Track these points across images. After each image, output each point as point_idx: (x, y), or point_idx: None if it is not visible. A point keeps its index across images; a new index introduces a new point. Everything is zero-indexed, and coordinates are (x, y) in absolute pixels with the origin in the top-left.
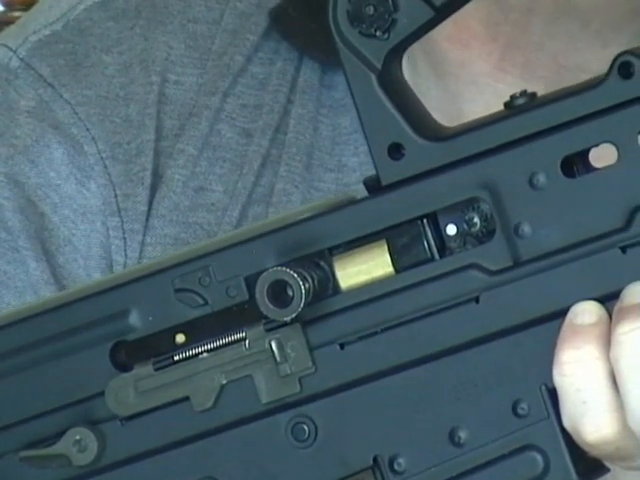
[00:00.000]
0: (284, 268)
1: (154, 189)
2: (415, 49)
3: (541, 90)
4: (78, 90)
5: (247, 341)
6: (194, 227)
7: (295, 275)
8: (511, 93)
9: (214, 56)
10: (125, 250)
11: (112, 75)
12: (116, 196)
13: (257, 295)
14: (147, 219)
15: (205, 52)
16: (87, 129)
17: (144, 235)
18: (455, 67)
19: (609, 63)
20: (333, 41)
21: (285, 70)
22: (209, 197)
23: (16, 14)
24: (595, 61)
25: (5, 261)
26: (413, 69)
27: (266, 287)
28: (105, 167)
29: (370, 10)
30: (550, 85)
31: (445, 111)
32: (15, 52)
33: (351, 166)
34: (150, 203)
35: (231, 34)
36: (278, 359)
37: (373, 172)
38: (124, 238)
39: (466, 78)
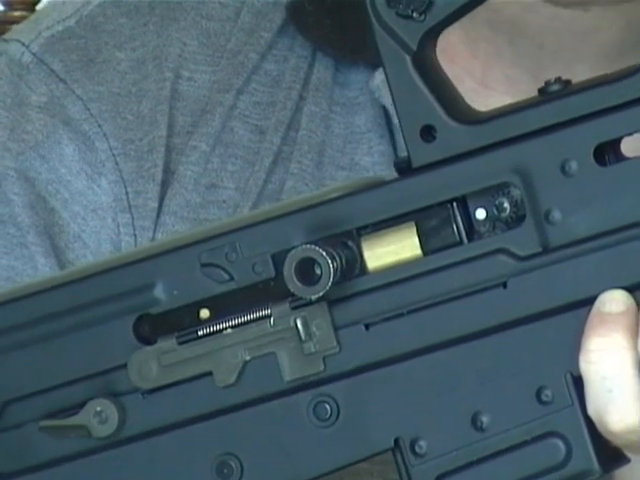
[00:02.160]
0: (313, 246)
1: (165, 186)
2: None
3: None
4: (90, 86)
5: (272, 318)
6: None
7: (324, 253)
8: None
9: (229, 54)
10: (135, 247)
11: (124, 71)
12: (127, 193)
13: (285, 272)
14: (158, 216)
15: (219, 49)
16: (99, 125)
17: (154, 232)
18: None
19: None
20: (369, 21)
21: (299, 67)
22: (220, 194)
23: (16, 14)
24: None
25: (13, 257)
26: None
27: (294, 264)
28: (116, 164)
29: None
30: None
31: None
32: (28, 47)
33: (364, 165)
34: (161, 200)
35: (247, 33)
36: (303, 337)
37: (386, 172)
38: (134, 235)
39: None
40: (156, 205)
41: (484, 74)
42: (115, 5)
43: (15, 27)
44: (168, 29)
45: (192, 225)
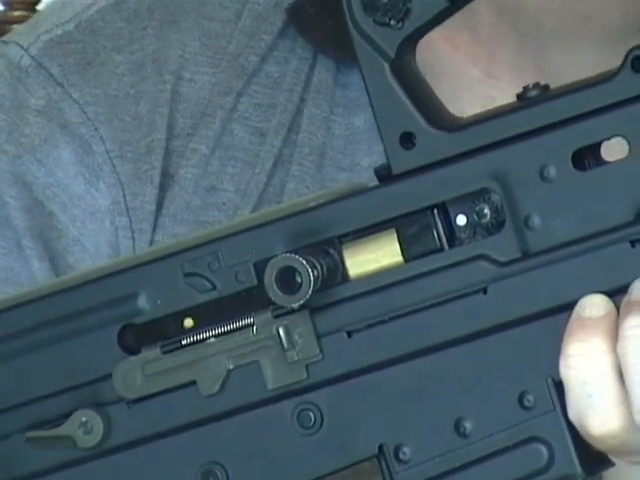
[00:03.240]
0: (293, 255)
1: (164, 188)
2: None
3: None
4: (87, 89)
5: (255, 327)
6: (205, 226)
7: (304, 262)
8: (504, 99)
9: (229, 57)
10: (134, 250)
11: (123, 74)
12: (124, 196)
13: (266, 281)
14: (156, 218)
15: (219, 52)
16: (95, 128)
17: (153, 234)
18: (450, 69)
19: (584, 67)
20: (347, 29)
21: (300, 69)
22: (220, 196)
23: (16, 14)
24: (570, 65)
25: (12, 258)
26: None
27: (275, 273)
28: (114, 166)
29: None
30: None
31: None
32: (27, 50)
33: (364, 165)
34: (159, 202)
35: (248, 36)
36: (285, 345)
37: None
38: (133, 238)
39: (461, 82)
40: (154, 208)
41: (489, 62)
42: (115, 10)
43: (15, 28)
44: (168, 32)
45: (192, 228)
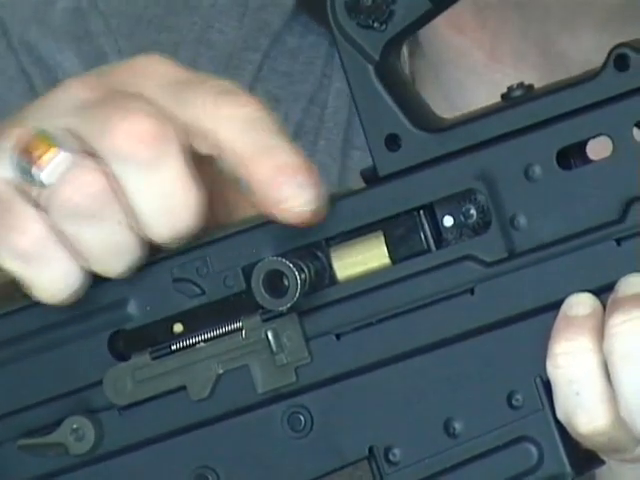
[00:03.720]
0: (280, 258)
1: None
2: (421, 35)
3: (536, 79)
4: (114, 3)
5: (244, 331)
6: None
7: (291, 265)
8: (508, 83)
9: (250, 12)
10: None
11: (150, 2)
12: None
13: (253, 285)
14: None
15: (242, 4)
16: (115, 40)
17: None
18: (454, 54)
19: (586, 52)
20: (331, 32)
21: (318, 43)
22: None
23: None
24: (573, 49)
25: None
26: (420, 57)
27: (262, 277)
28: None
29: (368, 1)
30: (544, 73)
31: (451, 99)
32: None
33: None
34: None
35: None
36: (274, 349)
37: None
38: None
39: (465, 66)
40: None
41: (493, 46)
42: None
43: None
44: None
45: None
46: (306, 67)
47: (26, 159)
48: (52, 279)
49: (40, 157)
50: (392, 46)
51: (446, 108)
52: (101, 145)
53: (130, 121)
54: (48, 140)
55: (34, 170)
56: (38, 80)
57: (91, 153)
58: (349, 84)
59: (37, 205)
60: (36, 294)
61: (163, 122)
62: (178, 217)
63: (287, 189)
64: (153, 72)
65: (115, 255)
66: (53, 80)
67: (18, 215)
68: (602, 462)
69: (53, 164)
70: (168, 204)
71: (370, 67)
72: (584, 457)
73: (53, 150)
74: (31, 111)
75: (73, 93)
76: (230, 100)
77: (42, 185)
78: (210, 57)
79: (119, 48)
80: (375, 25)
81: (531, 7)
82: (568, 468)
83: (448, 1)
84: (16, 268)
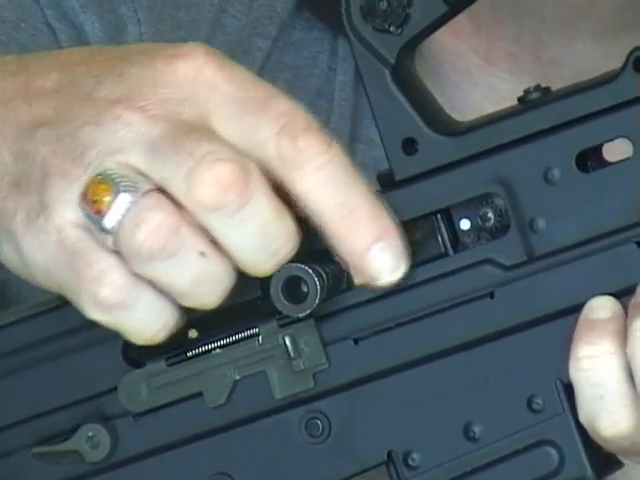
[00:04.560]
0: (299, 264)
1: None
2: None
3: (530, 82)
4: None
5: (260, 337)
6: None
7: (310, 271)
8: (503, 86)
9: None
10: None
11: None
12: None
13: (272, 292)
14: None
15: None
16: (135, 10)
17: None
18: (450, 56)
19: (579, 59)
20: (347, 36)
21: (322, 38)
22: None
23: None
24: (566, 56)
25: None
26: (418, 57)
27: (281, 283)
28: None
29: (384, 5)
30: (538, 78)
31: (450, 100)
32: None
33: (377, 142)
34: None
35: None
36: (292, 355)
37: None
38: None
39: (461, 69)
40: None
41: (488, 50)
42: None
43: None
44: None
45: None
46: (311, 61)
47: (88, 207)
48: (142, 324)
49: (100, 203)
50: (408, 50)
51: (445, 108)
52: (185, 197)
53: (213, 171)
54: (107, 183)
55: (97, 217)
56: (63, 35)
57: (158, 187)
58: (365, 88)
59: (114, 251)
60: (130, 339)
61: (243, 162)
62: (278, 247)
63: (378, 265)
64: (211, 86)
65: (206, 287)
66: (78, 37)
67: (95, 265)
68: (621, 464)
69: (113, 208)
70: (266, 240)
71: (386, 71)
72: (605, 460)
73: (112, 194)
74: (90, 140)
75: (136, 127)
76: (295, 143)
77: (108, 232)
78: (223, 41)
79: (138, 18)
80: (391, 29)
81: (525, 14)
82: (589, 471)
83: (464, 3)
84: (102, 318)
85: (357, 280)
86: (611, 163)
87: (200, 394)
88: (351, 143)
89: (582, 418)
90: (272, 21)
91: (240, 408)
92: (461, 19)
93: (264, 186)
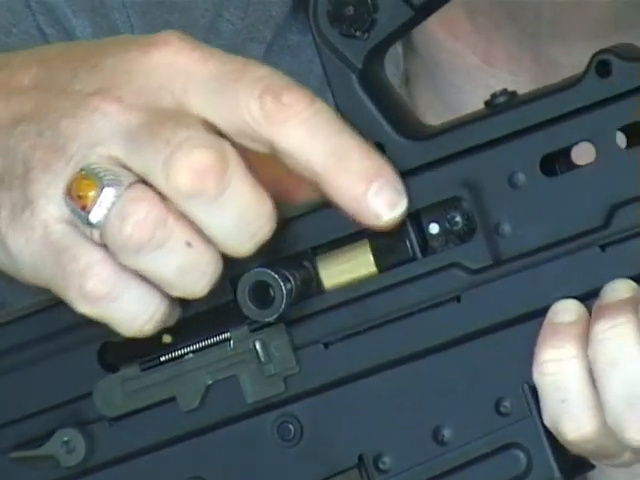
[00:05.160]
0: (265, 269)
1: None
2: (416, 35)
3: (530, 83)
4: None
5: (232, 341)
6: None
7: (276, 276)
8: (503, 87)
9: (254, 2)
10: None
11: None
12: None
13: (239, 297)
14: None
15: None
16: (128, 15)
17: None
18: (449, 56)
19: (578, 58)
20: (314, 41)
21: None
22: None
23: None
24: (565, 56)
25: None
26: (415, 57)
27: (247, 288)
28: None
29: (350, 10)
30: (537, 78)
31: (445, 100)
32: None
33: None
34: None
35: None
36: (262, 359)
37: None
38: None
39: (460, 69)
40: None
41: (487, 50)
42: None
43: None
44: None
45: None
46: (307, 66)
47: (73, 203)
48: (130, 316)
49: (85, 198)
50: (375, 54)
51: (441, 109)
52: (164, 185)
53: (189, 158)
54: (91, 178)
55: (83, 213)
56: (55, 40)
57: (141, 178)
58: (333, 93)
59: (100, 244)
60: (119, 331)
61: (220, 147)
62: (257, 228)
63: (378, 204)
64: (186, 70)
65: (194, 276)
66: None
67: (81, 259)
68: (592, 466)
69: (98, 203)
70: (244, 221)
71: (353, 76)
72: (573, 462)
73: (96, 189)
74: (69, 133)
75: (113, 118)
76: (279, 100)
77: (94, 226)
78: (218, 46)
79: (131, 24)
80: (357, 34)
81: (523, 15)
82: (557, 474)
83: (429, 9)
84: (90, 311)
85: (362, 222)
86: (577, 166)
87: (174, 398)
88: None
89: (547, 421)
90: (267, 25)
91: (213, 412)
92: (459, 19)
93: (242, 170)
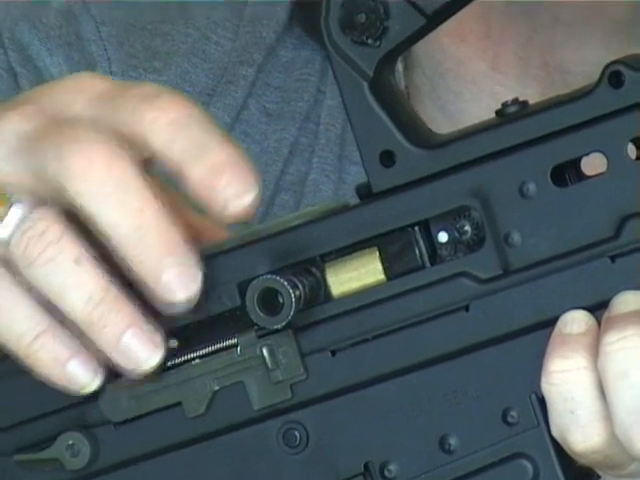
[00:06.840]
0: (274, 276)
1: None
2: (418, 47)
3: (536, 91)
4: (106, 10)
5: (239, 347)
6: None
7: (285, 283)
8: (508, 96)
9: (246, 23)
10: None
11: (145, 7)
12: None
13: (247, 303)
14: None
15: (237, 16)
16: (105, 48)
17: None
18: (455, 64)
19: (587, 65)
20: (325, 48)
21: (312, 59)
22: None
23: None
24: (575, 61)
25: None
26: (416, 68)
27: (256, 295)
28: None
29: (362, 18)
30: (544, 85)
31: (448, 111)
32: None
33: None
34: None
35: (264, 6)
36: (270, 366)
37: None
38: None
39: (466, 76)
40: None
41: (496, 54)
42: None
43: None
44: None
45: None
46: (300, 84)
47: None
48: (20, 330)
49: None
50: (386, 62)
51: (442, 120)
52: (64, 186)
53: (83, 155)
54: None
55: None
56: (24, 80)
57: (45, 196)
58: (343, 100)
59: (6, 264)
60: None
61: (112, 142)
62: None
63: (224, 192)
64: (82, 87)
65: (74, 295)
66: (40, 82)
67: None
68: (597, 477)
69: (7, 220)
70: (140, 222)
71: (364, 83)
72: (580, 473)
73: (5, 206)
74: None
75: (13, 127)
76: (152, 104)
77: (2, 242)
78: (205, 69)
79: (108, 56)
80: (369, 41)
81: (539, 14)
82: None
83: (442, 17)
84: None
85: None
86: (588, 177)
87: (179, 404)
88: (342, 165)
89: (554, 432)
90: (258, 47)
91: (219, 418)
92: (468, 23)
93: (133, 163)
